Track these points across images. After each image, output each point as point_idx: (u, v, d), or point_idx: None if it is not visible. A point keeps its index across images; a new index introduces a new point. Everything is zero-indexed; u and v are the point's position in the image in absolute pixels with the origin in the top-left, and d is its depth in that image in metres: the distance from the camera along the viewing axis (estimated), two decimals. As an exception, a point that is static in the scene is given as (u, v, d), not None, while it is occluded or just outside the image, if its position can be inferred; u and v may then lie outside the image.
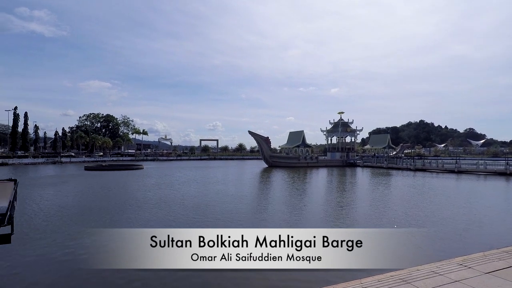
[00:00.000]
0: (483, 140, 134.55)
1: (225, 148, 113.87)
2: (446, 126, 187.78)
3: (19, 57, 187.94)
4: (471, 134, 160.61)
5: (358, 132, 66.27)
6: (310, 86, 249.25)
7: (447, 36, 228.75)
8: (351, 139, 67.49)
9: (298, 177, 37.14)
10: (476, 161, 44.31)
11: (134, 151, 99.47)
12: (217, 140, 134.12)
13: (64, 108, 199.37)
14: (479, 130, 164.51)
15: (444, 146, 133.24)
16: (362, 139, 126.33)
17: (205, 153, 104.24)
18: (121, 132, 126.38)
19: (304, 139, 60.41)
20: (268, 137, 58.54)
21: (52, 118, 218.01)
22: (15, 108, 70.56)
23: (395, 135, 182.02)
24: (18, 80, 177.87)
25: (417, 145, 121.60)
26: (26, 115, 73.01)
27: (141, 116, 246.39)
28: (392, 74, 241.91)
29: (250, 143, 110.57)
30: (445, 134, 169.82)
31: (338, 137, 66.60)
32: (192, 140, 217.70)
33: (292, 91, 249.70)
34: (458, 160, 45.16)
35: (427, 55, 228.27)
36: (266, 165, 57.76)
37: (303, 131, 61.18)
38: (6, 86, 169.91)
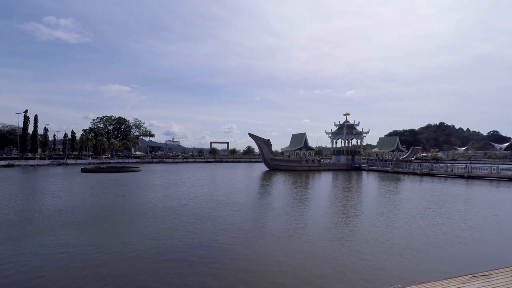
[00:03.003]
0: (507, 143, 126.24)
1: (233, 151, 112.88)
2: (468, 128, 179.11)
3: (45, 63, 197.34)
4: (495, 137, 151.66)
5: (364, 134, 63.19)
6: (326, 88, 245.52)
7: (471, 34, 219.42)
8: (357, 142, 64.62)
9: (294, 182, 35.32)
10: (489, 165, 40.73)
11: (141, 153, 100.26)
12: (227, 143, 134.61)
13: (85, 111, 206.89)
14: (505, 133, 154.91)
15: (465, 150, 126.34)
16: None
17: (212, 155, 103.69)
18: (132, 134, 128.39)
19: (306, 141, 58.10)
20: (269, 140, 56.89)
21: (74, 121, 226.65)
22: (26, 111, 72.81)
23: (413, 138, 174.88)
24: (43, 85, 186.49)
25: (433, 148, 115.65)
26: (36, 117, 75.20)
27: (159, 118, 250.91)
28: (412, 75, 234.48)
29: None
30: (467, 137, 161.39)
31: (343, 140, 63.85)
32: (208, 142, 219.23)
33: (308, 93, 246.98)
34: (468, 165, 41.74)
35: (450, 54, 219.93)
36: (267, 168, 56.13)
37: (305, 133, 58.80)
38: (32, 90, 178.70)
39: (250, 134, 57.16)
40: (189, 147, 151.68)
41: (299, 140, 58.98)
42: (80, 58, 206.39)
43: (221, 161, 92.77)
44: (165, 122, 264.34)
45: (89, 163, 66.67)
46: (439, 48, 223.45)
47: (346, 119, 64.21)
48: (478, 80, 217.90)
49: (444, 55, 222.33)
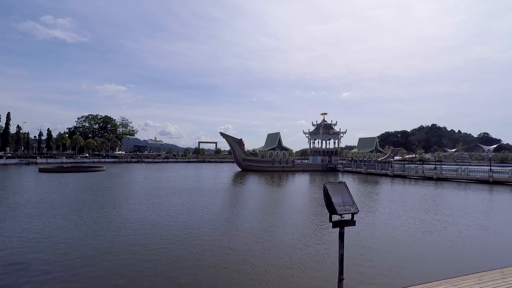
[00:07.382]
0: (495, 145, 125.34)
1: (218, 151, 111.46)
2: (459, 130, 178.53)
3: (41, 62, 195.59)
4: (485, 139, 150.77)
5: (341, 135, 61.41)
6: (323, 90, 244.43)
7: (469, 37, 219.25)
8: (334, 142, 62.91)
9: (257, 184, 33.67)
10: (458, 167, 39.24)
11: (122, 152, 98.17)
12: (215, 143, 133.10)
13: (81, 110, 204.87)
14: (498, 135, 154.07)
15: (454, 151, 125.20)
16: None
17: (195, 155, 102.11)
18: (118, 133, 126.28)
19: (280, 141, 56.23)
20: (241, 139, 55.22)
21: (69, 120, 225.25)
22: (-4, 110, 70.92)
23: (405, 139, 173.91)
24: (39, 83, 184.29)
25: (420, 149, 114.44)
26: (8, 115, 73.15)
27: (154, 118, 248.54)
28: (409, 77, 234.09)
29: (247, 146, 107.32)
30: (457, 139, 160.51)
31: (320, 140, 62.09)
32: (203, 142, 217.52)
33: (304, 94, 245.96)
34: (437, 166, 40.20)
35: (447, 56, 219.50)
36: (240, 169, 54.43)
37: (279, 133, 56.99)
38: (28, 89, 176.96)
39: (221, 134, 55.64)
40: (184, 147, 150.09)
41: (273, 140, 57.24)
42: (77, 57, 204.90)
43: (204, 161, 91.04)
44: (161, 122, 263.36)
45: (61, 162, 64.57)
46: (436, 50, 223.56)
47: (324, 118, 62.46)
48: (474, 83, 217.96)
49: (441, 57, 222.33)
